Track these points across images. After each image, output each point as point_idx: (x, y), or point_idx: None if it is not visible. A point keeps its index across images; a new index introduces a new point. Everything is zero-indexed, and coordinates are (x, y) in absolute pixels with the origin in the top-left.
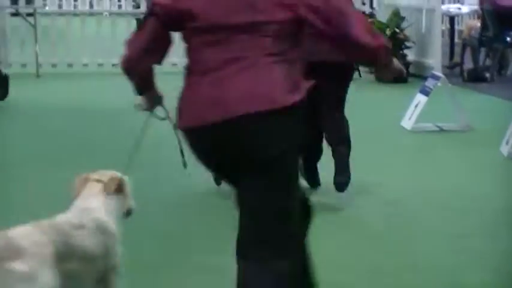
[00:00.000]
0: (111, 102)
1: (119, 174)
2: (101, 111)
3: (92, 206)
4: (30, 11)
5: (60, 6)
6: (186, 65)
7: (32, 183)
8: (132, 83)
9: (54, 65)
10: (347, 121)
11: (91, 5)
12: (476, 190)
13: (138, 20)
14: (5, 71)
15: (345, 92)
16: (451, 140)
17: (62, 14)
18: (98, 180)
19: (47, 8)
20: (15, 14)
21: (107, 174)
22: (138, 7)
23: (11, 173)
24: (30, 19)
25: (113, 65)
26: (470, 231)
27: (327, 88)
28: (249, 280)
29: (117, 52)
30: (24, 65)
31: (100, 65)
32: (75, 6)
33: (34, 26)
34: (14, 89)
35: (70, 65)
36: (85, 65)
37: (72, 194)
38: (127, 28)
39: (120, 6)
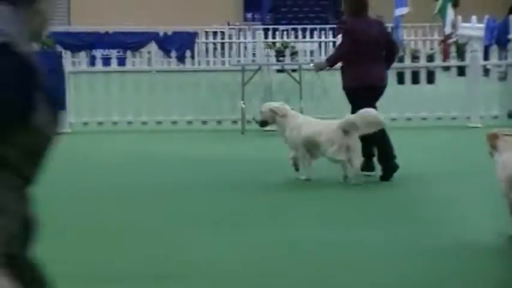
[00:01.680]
0: None
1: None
2: None
3: None
4: (295, 67)
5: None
6: None
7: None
8: None
9: None
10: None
11: None
12: None
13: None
14: None
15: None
16: None
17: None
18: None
19: (311, 64)
20: (281, 70)
21: None
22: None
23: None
24: (295, 75)
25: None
26: None
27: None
28: None
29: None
30: None
31: None
32: None
33: (299, 82)
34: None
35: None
36: None
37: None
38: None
39: None
